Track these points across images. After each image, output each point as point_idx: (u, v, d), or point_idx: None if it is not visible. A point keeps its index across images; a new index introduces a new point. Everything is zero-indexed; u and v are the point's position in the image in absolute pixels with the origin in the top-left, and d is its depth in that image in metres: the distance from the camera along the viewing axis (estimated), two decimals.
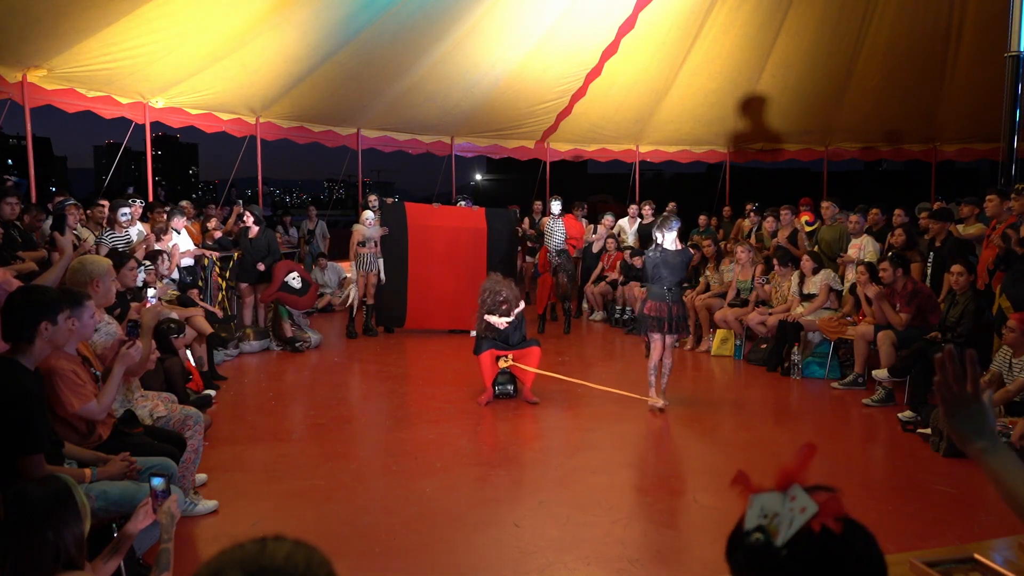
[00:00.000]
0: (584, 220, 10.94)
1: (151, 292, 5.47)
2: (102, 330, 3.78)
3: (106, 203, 7.62)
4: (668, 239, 5.85)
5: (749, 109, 13.05)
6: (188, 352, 6.34)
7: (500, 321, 6.19)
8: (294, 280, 8.27)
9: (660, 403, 5.96)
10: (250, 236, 8.34)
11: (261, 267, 8.27)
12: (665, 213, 6.22)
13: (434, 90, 11.60)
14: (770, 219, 9.54)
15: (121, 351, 3.39)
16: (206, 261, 8.27)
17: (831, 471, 4.84)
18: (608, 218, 10.93)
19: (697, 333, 8.43)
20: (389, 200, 11.43)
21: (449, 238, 9.39)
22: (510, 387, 6.33)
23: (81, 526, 2.11)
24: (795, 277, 7.60)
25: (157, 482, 2.52)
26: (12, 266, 5.25)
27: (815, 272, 7.40)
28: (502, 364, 6.17)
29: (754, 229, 10.08)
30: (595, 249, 10.61)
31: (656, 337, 5.92)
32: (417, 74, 11.09)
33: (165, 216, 8.04)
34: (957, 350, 1.34)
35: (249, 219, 8.44)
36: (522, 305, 6.35)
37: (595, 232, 10.72)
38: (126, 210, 7.17)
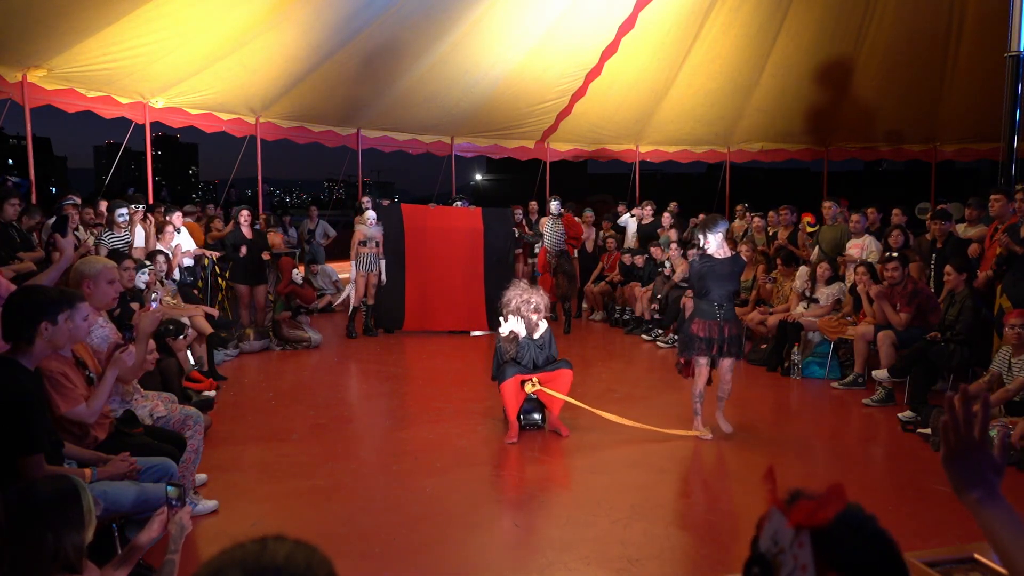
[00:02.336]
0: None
1: (154, 296, 5.45)
2: (95, 333, 3.74)
3: (103, 203, 7.61)
4: (714, 243, 5.08)
5: (749, 109, 13.06)
6: (188, 353, 6.34)
7: (520, 327, 5.29)
8: (297, 276, 8.73)
9: (708, 434, 5.26)
10: (241, 255, 8.31)
11: (243, 251, 8.24)
12: (711, 215, 5.38)
13: (434, 90, 11.61)
14: (757, 219, 9.60)
15: (114, 356, 3.31)
16: (206, 261, 8.28)
17: (831, 471, 4.84)
18: (588, 214, 10.95)
19: None
20: (385, 202, 11.42)
21: (446, 239, 9.38)
22: (537, 416, 5.43)
23: (83, 533, 2.10)
24: (800, 274, 7.58)
25: (171, 491, 2.52)
26: (11, 266, 5.25)
27: (829, 282, 7.36)
28: (528, 389, 5.26)
29: (745, 231, 10.09)
30: (589, 249, 10.65)
31: (703, 362, 5.16)
32: (417, 74, 11.10)
33: (163, 212, 8.06)
34: (968, 392, 1.25)
35: (243, 219, 8.42)
36: (543, 312, 5.39)
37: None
38: (123, 211, 7.14)
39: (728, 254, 5.19)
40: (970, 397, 1.25)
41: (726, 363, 5.23)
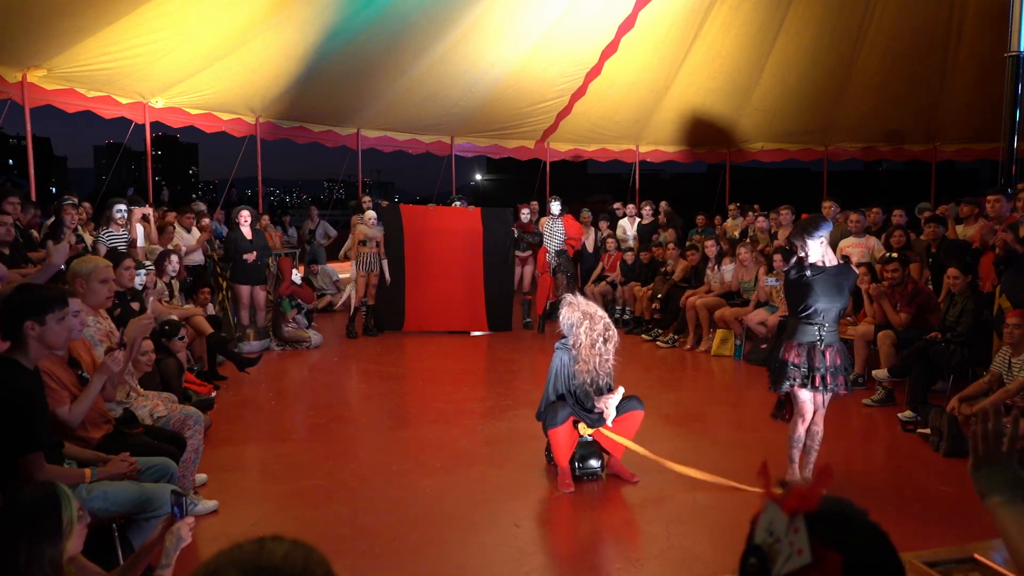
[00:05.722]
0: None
1: (151, 299, 5.44)
2: (85, 332, 3.71)
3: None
4: (815, 251, 4.10)
5: (750, 108, 13.05)
6: (189, 353, 6.32)
7: (606, 403, 4.38)
8: (296, 277, 8.72)
9: None
10: (249, 260, 8.28)
11: (250, 257, 8.20)
12: (810, 216, 4.42)
13: (434, 89, 11.60)
14: (761, 219, 9.62)
15: (101, 362, 3.26)
16: (207, 261, 8.28)
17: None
18: (586, 214, 11.02)
19: (697, 333, 8.43)
20: (384, 203, 11.41)
21: (445, 240, 9.38)
22: (596, 464, 4.49)
23: (58, 547, 2.07)
24: None
25: (174, 498, 2.50)
26: (20, 269, 5.21)
27: None
28: (583, 431, 4.43)
29: (745, 231, 10.09)
30: (590, 249, 10.68)
31: (805, 397, 4.21)
32: (417, 73, 11.09)
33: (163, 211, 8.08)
34: (1004, 409, 1.36)
35: (244, 220, 8.42)
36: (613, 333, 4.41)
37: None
38: (122, 206, 7.05)
39: (833, 261, 4.19)
40: (1002, 411, 1.31)
41: (822, 398, 4.27)
